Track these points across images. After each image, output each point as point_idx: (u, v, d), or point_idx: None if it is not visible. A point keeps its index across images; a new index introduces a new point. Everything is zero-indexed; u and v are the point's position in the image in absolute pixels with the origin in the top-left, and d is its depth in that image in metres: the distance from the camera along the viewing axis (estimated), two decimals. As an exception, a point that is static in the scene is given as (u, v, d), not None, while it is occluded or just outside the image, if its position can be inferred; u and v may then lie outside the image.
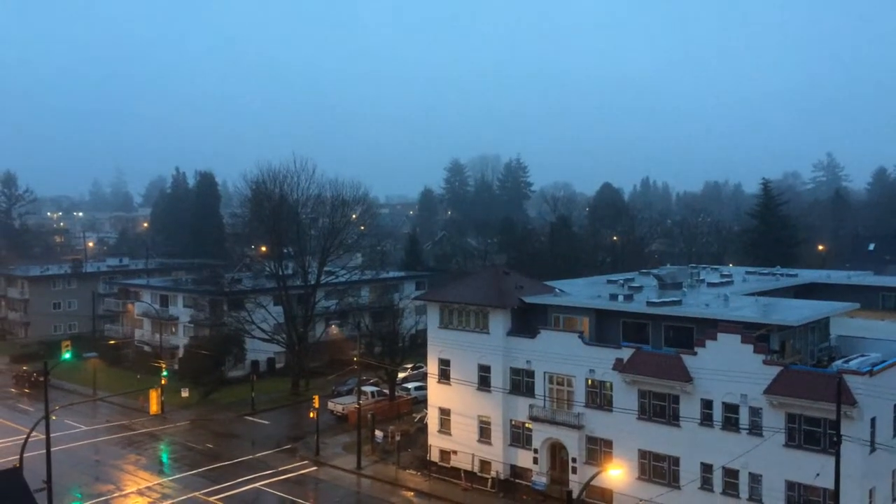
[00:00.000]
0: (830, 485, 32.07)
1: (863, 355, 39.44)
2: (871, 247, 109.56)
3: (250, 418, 63.10)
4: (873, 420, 34.68)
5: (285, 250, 75.47)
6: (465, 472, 47.27)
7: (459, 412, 48.56)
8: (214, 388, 68.91)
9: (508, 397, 46.41)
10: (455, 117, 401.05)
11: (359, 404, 53.60)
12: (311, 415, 54.29)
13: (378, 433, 54.46)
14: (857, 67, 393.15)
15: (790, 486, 35.70)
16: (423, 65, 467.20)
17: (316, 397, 55.24)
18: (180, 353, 76.44)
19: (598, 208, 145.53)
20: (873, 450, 34.62)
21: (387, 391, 63.01)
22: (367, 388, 61.69)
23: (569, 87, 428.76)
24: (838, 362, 38.14)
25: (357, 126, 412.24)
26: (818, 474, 33.82)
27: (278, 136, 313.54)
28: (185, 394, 66.07)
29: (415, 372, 68.97)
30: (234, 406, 65.77)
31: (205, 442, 56.65)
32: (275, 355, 77.47)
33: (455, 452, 48.62)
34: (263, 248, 78.65)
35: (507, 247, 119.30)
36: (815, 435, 34.94)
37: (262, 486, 47.50)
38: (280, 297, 74.28)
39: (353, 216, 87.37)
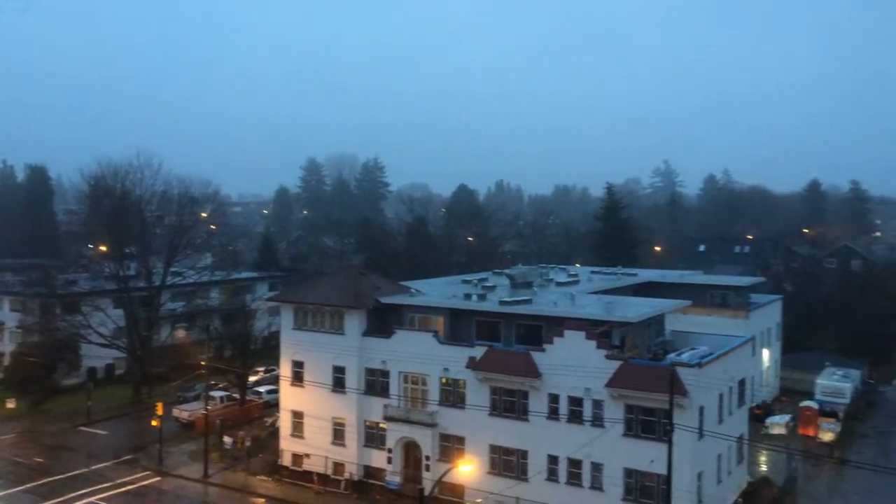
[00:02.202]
0: (664, 470, 34.23)
1: (693, 349, 42.47)
2: (702, 248, 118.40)
3: (86, 429, 59.06)
4: (701, 409, 37.31)
5: (127, 250, 71.26)
6: (319, 475, 46.56)
7: (313, 415, 47.76)
8: (45, 397, 63.96)
9: (363, 398, 46.17)
10: (313, 116, 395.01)
11: (206, 410, 51.51)
12: (154, 423, 51.52)
13: (227, 439, 52.56)
14: (689, 79, 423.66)
15: (628, 472, 37.73)
16: (278, 63, 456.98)
17: (159, 404, 52.51)
18: (6, 360, 70.35)
19: (454, 209, 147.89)
20: (701, 436, 37.24)
21: (237, 396, 60.96)
22: (216, 394, 59.39)
23: (429, 89, 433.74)
24: (671, 356, 40.81)
25: (209, 122, 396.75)
26: (653, 461, 35.99)
27: (121, 131, 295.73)
28: (11, 405, 60.89)
29: (267, 375, 67.21)
30: (68, 416, 61.33)
31: (34, 456, 52.40)
32: (114, 361, 73.00)
33: (308, 456, 47.78)
34: (103, 248, 73.88)
35: (363, 247, 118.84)
36: (650, 424, 37.14)
37: (98, 500, 44.53)
38: (121, 299, 70.09)
39: (203, 214, 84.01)
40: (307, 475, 47.06)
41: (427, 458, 43.74)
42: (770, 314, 67.59)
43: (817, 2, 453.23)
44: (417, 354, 43.88)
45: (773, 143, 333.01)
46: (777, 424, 56.74)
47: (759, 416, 57.58)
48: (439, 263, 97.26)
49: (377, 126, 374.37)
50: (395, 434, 44.81)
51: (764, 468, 49.70)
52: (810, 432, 55.61)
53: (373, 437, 46.13)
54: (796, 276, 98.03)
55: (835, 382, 61.02)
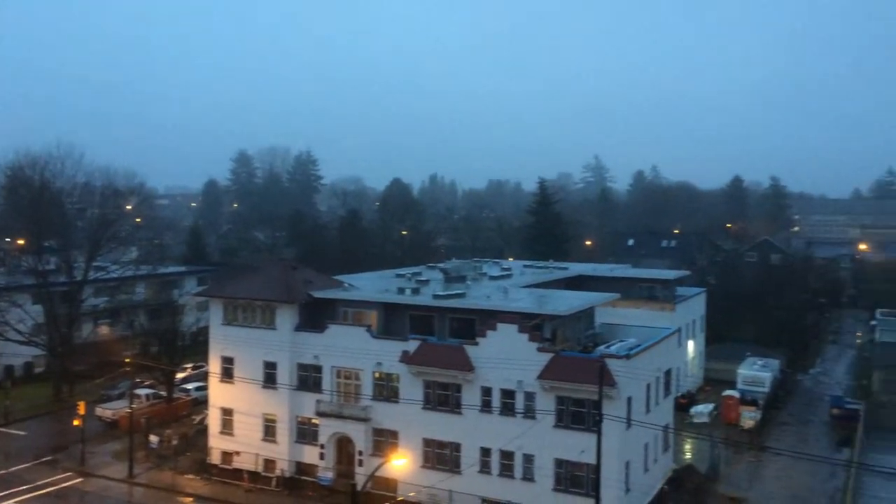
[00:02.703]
0: (593, 460, 34.90)
1: (622, 340, 43.44)
2: (631, 242, 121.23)
3: (3, 429, 56.59)
4: (629, 399, 38.21)
5: (47, 243, 68.51)
6: (249, 472, 45.79)
7: (243, 411, 46.93)
8: (-42, 397, 60.98)
9: (295, 394, 45.61)
10: (244, 110, 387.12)
11: (131, 408, 50.05)
12: (76, 422, 49.74)
13: (153, 438, 51.19)
14: (620, 77, 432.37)
15: (559, 463, 38.37)
16: (209, 55, 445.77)
17: (81, 403, 50.69)
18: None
19: (388, 203, 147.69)
20: (629, 426, 38.15)
21: (164, 393, 59.40)
22: (142, 391, 57.75)
23: (363, 83, 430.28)
24: (601, 348, 41.63)
25: (135, 114, 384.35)
26: (583, 451, 36.67)
27: (41, 122, 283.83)
28: (-79, 405, 57.77)
29: (195, 372, 65.70)
30: (-16, 417, 58.67)
31: (-54, 460, 50.00)
32: (33, 359, 70.14)
33: (238, 453, 46.93)
34: (21, 241, 70.83)
35: (296, 241, 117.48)
36: (580, 415, 37.82)
37: (16, 503, 42.76)
38: (40, 294, 67.36)
39: (128, 207, 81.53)
40: (237, 473, 46.24)
41: (360, 453, 43.54)
42: (695, 306, 69.66)
43: (743, 4, 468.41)
44: (350, 349, 43.58)
45: (699, 141, 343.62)
46: (701, 413, 58.56)
47: (684, 405, 59.30)
48: (373, 257, 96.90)
49: (310, 120, 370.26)
50: (327, 429, 44.43)
51: (689, 456, 51.26)
52: (732, 420, 57.57)
53: (305, 433, 45.63)
54: (719, 270, 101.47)
55: (755, 372, 63.32)
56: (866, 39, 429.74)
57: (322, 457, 44.67)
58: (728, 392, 60.12)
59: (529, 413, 38.95)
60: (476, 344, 40.46)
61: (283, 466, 45.57)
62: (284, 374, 45.64)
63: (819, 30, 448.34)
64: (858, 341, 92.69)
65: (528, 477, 39.17)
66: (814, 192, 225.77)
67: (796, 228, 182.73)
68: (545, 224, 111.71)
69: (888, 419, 58.20)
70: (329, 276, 51.37)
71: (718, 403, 60.03)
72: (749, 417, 56.76)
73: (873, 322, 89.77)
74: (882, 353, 71.44)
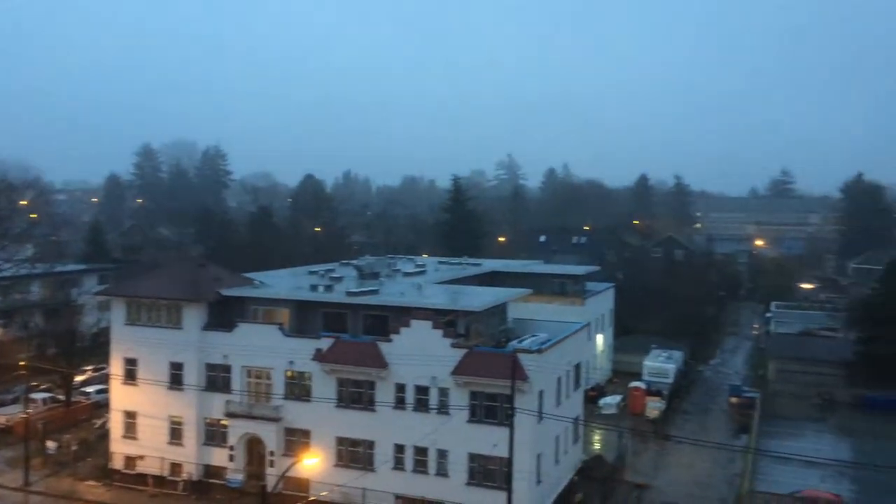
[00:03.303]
0: (506, 453, 35.34)
1: (534, 335, 44.11)
2: (543, 239, 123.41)
3: None
4: (541, 393, 38.88)
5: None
6: (154, 477, 44.23)
7: (147, 414, 45.24)
8: None
9: (203, 395, 44.31)
10: (147, 103, 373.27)
11: (27, 413, 47.50)
12: (-34, 430, 46.87)
13: (50, 444, 48.76)
14: (533, 75, 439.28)
15: (472, 457, 38.66)
16: (113, 48, 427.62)
17: (-28, 409, 47.82)
18: None
19: (301, 199, 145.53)
20: (541, 419, 38.83)
21: (62, 397, 56.62)
22: (38, 395, 54.91)
23: (275, 78, 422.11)
24: (514, 342, 42.17)
25: (31, 106, 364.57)
26: (496, 445, 37.10)
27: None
28: None
29: (96, 374, 62.91)
30: None
31: None
32: (-84, 364, 65.60)
33: (142, 457, 45.24)
34: None
35: (204, 238, 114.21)
36: (493, 410, 38.22)
37: None
38: (-75, 294, 63.15)
39: (22, 202, 77.31)
40: (141, 478, 44.58)
41: (271, 453, 42.70)
42: (604, 301, 71.56)
43: (653, 4, 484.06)
44: (261, 348, 42.66)
45: (608, 140, 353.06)
46: (609, 405, 60.25)
47: (593, 397, 60.87)
48: (285, 255, 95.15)
49: (219, 115, 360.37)
50: (237, 430, 43.38)
51: (598, 446, 52.65)
52: (638, 411, 59.48)
53: (213, 435, 44.40)
54: (627, 265, 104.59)
55: (660, 364, 65.59)
56: (763, 43, 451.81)
57: (231, 458, 43.58)
58: (635, 383, 62.05)
59: (443, 409, 39.09)
60: (390, 341, 40.31)
61: (191, 470, 44.21)
62: (192, 375, 44.27)
63: (718, 34, 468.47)
64: (755, 333, 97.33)
65: (441, 472, 39.32)
66: (714, 190, 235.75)
67: (698, 225, 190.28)
68: (459, 221, 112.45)
69: (782, 407, 61.36)
70: (239, 274, 50.12)
71: (626, 395, 61.87)
72: (654, 408, 58.73)
73: (769, 314, 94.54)
74: (777, 344, 75.35)
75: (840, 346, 70.45)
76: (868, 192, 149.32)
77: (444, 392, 39.16)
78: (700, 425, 58.61)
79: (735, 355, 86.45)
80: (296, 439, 42.52)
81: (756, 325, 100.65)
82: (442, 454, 39.27)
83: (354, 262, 59.96)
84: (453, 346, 39.06)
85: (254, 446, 43.75)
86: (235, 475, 43.32)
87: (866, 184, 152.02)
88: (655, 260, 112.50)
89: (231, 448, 43.55)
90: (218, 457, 44.11)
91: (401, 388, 40.13)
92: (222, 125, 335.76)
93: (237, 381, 43.72)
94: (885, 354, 63.03)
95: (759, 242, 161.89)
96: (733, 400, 62.86)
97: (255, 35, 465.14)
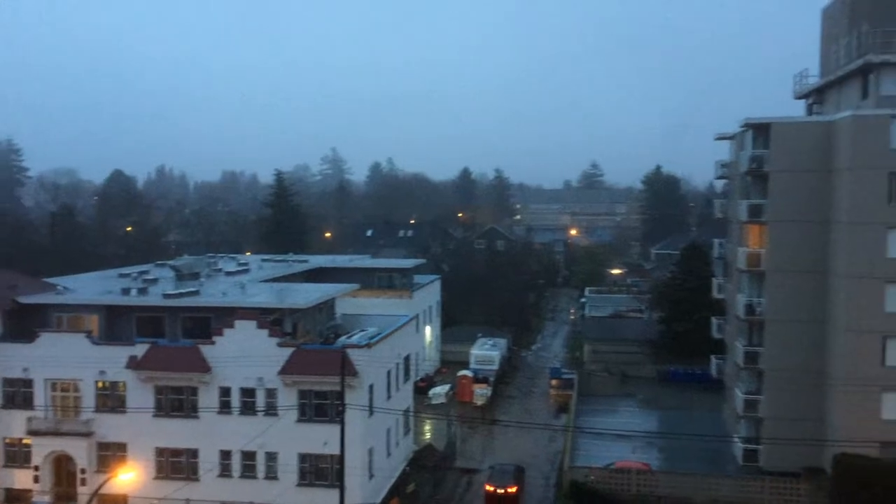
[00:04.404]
0: (337, 450, 35.05)
1: (363, 330, 44.10)
2: (370, 233, 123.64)
3: None
4: (371, 387, 38.94)
5: None
6: (-56, 509, 39.71)
7: (-67, 439, 40.43)
8: None
9: (1, 413, 40.25)
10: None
11: None
12: None
13: None
14: (355, 69, 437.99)
15: (302, 458, 38.04)
16: None
17: None
18: None
19: (109, 197, 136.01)
20: (371, 413, 38.90)
21: None
22: None
23: (80, 70, 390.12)
24: (342, 338, 41.92)
25: None
26: (326, 443, 36.71)
27: None
28: None
29: None
30: None
31: None
32: None
33: (-72, 488, 40.42)
34: None
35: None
36: (324, 407, 37.81)
37: None
38: None
39: None
40: (-72, 512, 39.86)
41: (83, 471, 39.66)
42: (431, 293, 72.92)
43: (476, 5, 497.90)
44: (68, 358, 39.38)
45: (432, 134, 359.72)
46: (438, 395, 61.56)
47: (423, 388, 61.93)
48: (92, 257, 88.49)
49: (12, 106, 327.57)
50: (42, 449, 39.87)
51: (428, 436, 53.61)
52: (467, 399, 61.25)
53: (15, 456, 40.51)
54: (452, 257, 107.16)
55: (485, 352, 67.87)
56: (576, 43, 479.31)
57: (37, 480, 40.01)
58: (462, 372, 63.81)
59: (271, 410, 38.12)
60: (212, 343, 38.68)
61: (-11, 497, 40.12)
62: (-14, 393, 40.08)
63: (534, 34, 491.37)
64: (572, 317, 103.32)
65: (271, 475, 38.36)
66: (532, 183, 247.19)
67: (518, 216, 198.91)
68: (283, 217, 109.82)
69: (596, 385, 65.58)
70: (39, 280, 45.99)
71: (454, 384, 63.45)
72: (481, 395, 60.72)
73: (583, 299, 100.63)
74: (590, 327, 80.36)
75: (645, 326, 76.43)
76: (666, 183, 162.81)
77: (271, 393, 38.18)
78: (524, 408, 61.33)
79: (555, 339, 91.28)
80: (110, 454, 39.81)
81: (573, 310, 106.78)
82: (271, 457, 38.31)
83: (171, 262, 56.75)
84: (280, 345, 38.16)
85: (62, 465, 40.42)
86: (42, 497, 39.85)
87: (664, 175, 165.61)
88: (479, 251, 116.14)
89: (36, 468, 40.01)
90: (21, 479, 40.35)
91: (226, 391, 38.66)
92: (15, 117, 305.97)
93: (40, 395, 40.16)
94: (682, 331, 69.16)
95: (573, 232, 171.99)
96: (553, 382, 66.35)
97: (57, 17, 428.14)
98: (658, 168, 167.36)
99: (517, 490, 42.03)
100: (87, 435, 39.58)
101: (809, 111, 51.67)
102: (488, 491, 41.98)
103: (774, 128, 44.52)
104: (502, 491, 41.60)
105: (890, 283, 40.19)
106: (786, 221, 44.25)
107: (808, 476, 41.66)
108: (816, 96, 50.70)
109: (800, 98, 52.72)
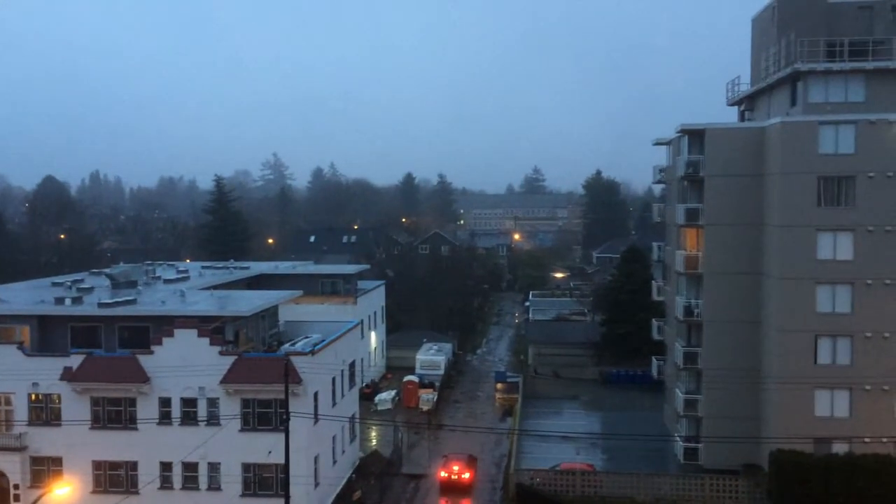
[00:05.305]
0: (282, 459, 34.55)
1: (307, 337, 43.60)
2: (313, 239, 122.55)
3: None
4: (316, 394, 38.52)
5: None
6: None
7: None
8: None
9: (-76, 430, 38.50)
10: None
11: None
12: None
13: None
14: (296, 74, 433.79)
15: (246, 467, 37.37)
16: None
17: None
18: None
19: (40, 204, 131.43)
20: (317, 421, 38.48)
21: None
22: None
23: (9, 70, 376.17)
24: (286, 346, 41.37)
25: None
26: (270, 452, 36.13)
27: None
28: None
29: None
30: None
31: None
32: None
33: None
34: None
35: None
36: (267, 416, 37.22)
37: None
38: None
39: None
40: None
41: (16, 486, 38.20)
42: (375, 299, 72.59)
43: (422, 10, 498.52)
44: (-2, 371, 37.92)
45: (374, 140, 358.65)
46: (384, 400, 61.25)
47: (368, 394, 61.57)
48: (23, 265, 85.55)
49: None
50: (-29, 467, 38.21)
51: (374, 443, 53.29)
52: (413, 404, 61.09)
53: (-59, 475, 38.73)
54: (396, 262, 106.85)
55: (431, 357, 67.85)
56: (516, 50, 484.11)
57: (-35, 499, 38.35)
58: (408, 378, 63.66)
59: (213, 420, 37.37)
60: (151, 353, 37.73)
61: (-88, 518, 38.27)
62: None
63: (476, 41, 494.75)
64: (516, 321, 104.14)
65: (214, 486, 37.61)
66: (475, 188, 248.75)
67: (461, 221, 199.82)
68: (223, 223, 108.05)
69: (540, 388, 66.25)
70: (-34, 289, 44.15)
71: (400, 389, 63.24)
72: (427, 400, 60.68)
73: (527, 303, 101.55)
74: (534, 330, 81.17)
75: (588, 329, 77.56)
76: (606, 188, 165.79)
77: (213, 402, 37.44)
78: (469, 412, 61.52)
79: (499, 343, 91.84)
80: (45, 468, 38.45)
81: (517, 314, 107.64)
82: (213, 467, 37.55)
83: (107, 270, 55.19)
84: (221, 353, 37.45)
85: (-8, 482, 38.82)
86: (-30, 517, 38.17)
87: (604, 180, 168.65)
88: (423, 256, 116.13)
89: (-36, 487, 38.30)
90: (-53, 499, 38.59)
91: (166, 402, 37.75)
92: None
93: (-32, 410, 38.50)
94: (623, 333, 70.41)
95: (516, 236, 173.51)
96: (499, 386, 66.70)
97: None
98: (598, 173, 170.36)
99: (471, 477, 44.54)
100: (21, 449, 38.14)
101: (742, 117, 53.30)
102: (442, 479, 44.28)
103: (709, 133, 45.75)
104: (456, 478, 44.14)
105: (820, 284, 41.68)
106: (721, 225, 45.49)
107: (746, 473, 42.83)
108: (748, 103, 52.33)
109: (733, 105, 54.33)
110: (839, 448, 40.72)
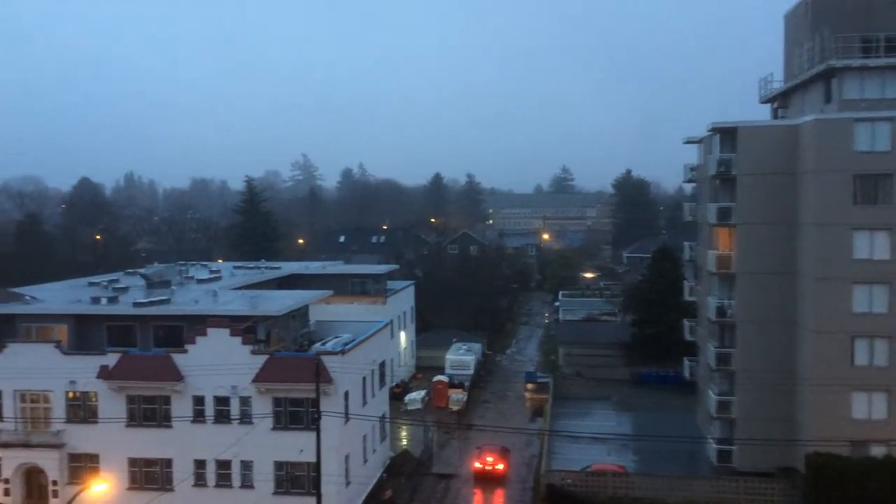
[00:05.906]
0: (313, 458, 34.86)
1: (337, 336, 43.89)
2: (342, 239, 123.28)
3: None
4: (346, 394, 38.77)
5: None
6: None
7: None
8: None
9: (-33, 426, 39.48)
10: None
11: None
12: None
13: None
14: (326, 74, 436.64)
15: (278, 465, 37.74)
16: None
17: None
18: None
19: (76, 205, 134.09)
20: (347, 420, 38.72)
21: None
22: None
23: (43, 69, 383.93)
24: (317, 345, 41.70)
25: None
26: (302, 450, 36.45)
27: None
28: None
29: None
30: None
31: None
32: None
33: None
34: None
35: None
36: (299, 415, 37.56)
37: None
38: None
39: None
40: None
41: (54, 483, 39.00)
42: (405, 299, 72.80)
43: (448, 10, 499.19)
44: (36, 369, 38.72)
45: (403, 140, 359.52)
46: (414, 400, 61.42)
47: (398, 394, 61.78)
48: (60, 266, 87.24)
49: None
50: (12, 462, 39.14)
51: (405, 442, 53.47)
52: (442, 404, 61.18)
53: (-17, 470, 39.68)
54: (425, 262, 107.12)
55: (460, 357, 67.88)
56: (546, 51, 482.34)
57: (7, 493, 39.28)
58: (438, 377, 63.75)
59: (246, 418, 37.80)
60: (185, 352, 38.27)
61: (-45, 512, 39.27)
62: (-48, 406, 39.24)
63: (506, 42, 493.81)
64: (546, 321, 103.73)
65: (247, 484, 38.01)
66: (503, 188, 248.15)
67: (490, 221, 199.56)
68: (254, 223, 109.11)
69: (571, 388, 65.94)
70: (6, 289, 45.19)
71: (430, 389, 63.38)
72: (457, 400, 60.71)
73: (557, 303, 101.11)
74: (564, 331, 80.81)
75: (618, 329, 77.00)
76: (636, 187, 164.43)
77: (245, 401, 37.86)
78: (499, 412, 61.43)
79: (529, 343, 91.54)
80: (82, 465, 39.19)
81: (546, 314, 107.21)
82: (246, 465, 37.97)
83: (141, 270, 56.10)
84: (253, 352, 37.87)
85: (33, 477, 39.75)
86: (10, 512, 39.06)
87: (634, 179, 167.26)
88: (452, 256, 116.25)
89: (6, 481, 39.27)
90: (-11, 494, 39.52)
91: (199, 400, 38.26)
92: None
93: (9, 407, 39.45)
94: (654, 334, 69.78)
95: (545, 236, 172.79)
96: (529, 386, 66.53)
97: (23, 25, 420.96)
98: (628, 172, 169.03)
99: (504, 468, 46.14)
100: (58, 446, 38.93)
101: (775, 115, 52.57)
102: (477, 469, 45.91)
103: (741, 132, 45.21)
104: (490, 468, 45.80)
105: (856, 284, 40.99)
106: (754, 224, 44.93)
107: (781, 476, 42.26)
108: (781, 100, 51.62)
109: (765, 102, 53.63)
110: (877, 451, 39.99)
